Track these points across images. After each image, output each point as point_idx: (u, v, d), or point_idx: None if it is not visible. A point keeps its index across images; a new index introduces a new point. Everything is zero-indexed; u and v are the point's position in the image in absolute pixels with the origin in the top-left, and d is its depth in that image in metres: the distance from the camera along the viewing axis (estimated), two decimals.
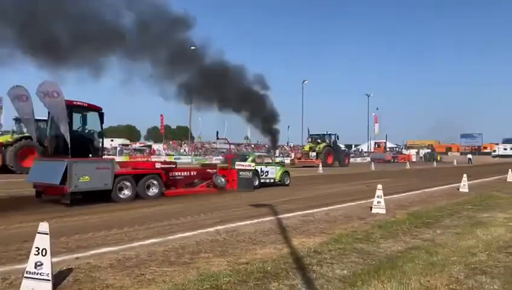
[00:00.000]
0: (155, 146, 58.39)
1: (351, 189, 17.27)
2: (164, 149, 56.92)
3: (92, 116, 12.14)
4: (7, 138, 22.44)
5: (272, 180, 17.55)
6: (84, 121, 12.02)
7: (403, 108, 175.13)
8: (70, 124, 11.17)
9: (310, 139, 42.89)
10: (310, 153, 39.31)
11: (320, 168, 31.31)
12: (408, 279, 4.94)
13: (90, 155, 11.89)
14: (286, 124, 75.80)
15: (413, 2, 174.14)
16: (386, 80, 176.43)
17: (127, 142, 65.81)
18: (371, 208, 10.50)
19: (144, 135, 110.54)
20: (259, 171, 16.84)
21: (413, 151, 77.56)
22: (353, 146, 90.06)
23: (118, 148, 48.61)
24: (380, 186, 10.60)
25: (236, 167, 15.83)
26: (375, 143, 70.66)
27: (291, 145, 70.97)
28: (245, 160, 16.92)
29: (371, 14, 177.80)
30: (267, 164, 17.75)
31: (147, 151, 50.16)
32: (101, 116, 12.20)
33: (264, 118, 28.65)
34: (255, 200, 12.39)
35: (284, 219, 9.12)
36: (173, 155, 47.36)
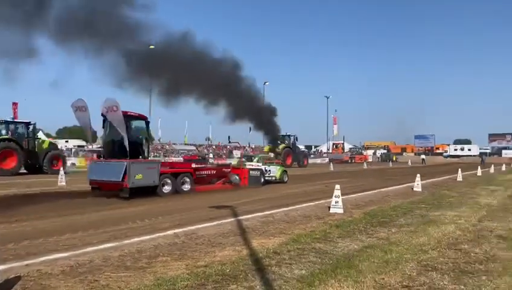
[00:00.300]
0: None
1: (310, 189, 17.53)
2: None
3: (141, 124, 14.45)
4: None
5: (273, 178, 19.73)
6: (135, 128, 14.17)
7: (362, 110, 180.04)
8: (128, 131, 13.17)
9: (268, 140, 43.29)
10: (269, 153, 39.64)
11: None
12: (364, 277, 5.06)
13: (140, 157, 13.97)
14: (247, 125, 76.05)
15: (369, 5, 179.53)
16: (345, 82, 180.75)
17: (83, 143, 63.57)
18: (329, 207, 10.70)
19: (101, 136, 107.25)
20: (264, 170, 18.94)
21: (370, 152, 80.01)
22: (313, 147, 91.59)
23: (73, 150, 46.89)
24: (337, 186, 10.83)
25: (247, 167, 18.22)
26: (333, 144, 72.25)
27: (253, 147, 71.17)
28: (251, 160, 20.27)
29: (330, 13, 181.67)
30: (270, 164, 20.31)
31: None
32: (147, 123, 14.53)
33: (270, 129, 33.53)
34: (216, 201, 12.31)
35: (244, 220, 9.12)
36: None
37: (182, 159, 24.98)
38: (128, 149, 12.94)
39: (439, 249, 6.61)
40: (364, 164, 49.61)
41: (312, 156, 69.27)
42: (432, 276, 5.18)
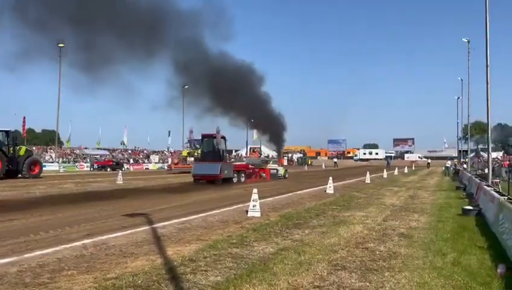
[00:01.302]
0: None
1: (230, 193, 17.58)
2: None
3: (223, 140, 23.43)
4: None
5: (280, 175, 28.82)
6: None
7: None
8: (225, 145, 23.34)
9: (188, 145, 42.89)
10: (188, 158, 39.24)
11: None
12: (277, 280, 5.15)
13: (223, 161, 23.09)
14: (167, 129, 74.43)
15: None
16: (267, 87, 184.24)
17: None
18: (247, 211, 10.80)
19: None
20: (277, 170, 29.19)
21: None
22: (233, 151, 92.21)
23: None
24: (255, 190, 10.97)
25: (269, 167, 28.64)
26: (250, 148, 73.05)
27: (172, 151, 69.71)
28: (267, 163, 30.35)
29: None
30: (278, 165, 30.94)
31: None
32: (225, 140, 23.63)
33: (275, 135, 39.34)
34: (131, 209, 11.77)
35: (159, 227, 8.81)
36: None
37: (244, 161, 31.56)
38: (222, 155, 22.95)
39: (348, 249, 6.97)
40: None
41: (233, 160, 69.74)
42: (341, 275, 5.43)
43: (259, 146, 72.12)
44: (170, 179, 28.39)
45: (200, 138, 27.18)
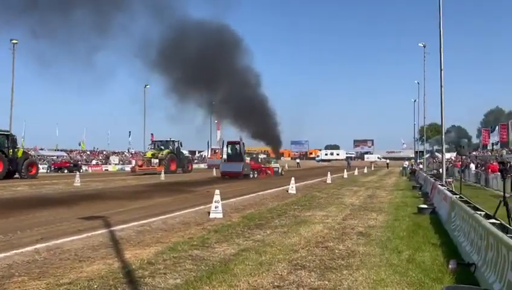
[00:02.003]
0: None
1: (192, 195, 17.37)
2: None
3: (243, 145, 31.65)
4: None
5: (279, 172, 36.24)
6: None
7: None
8: (244, 149, 31.51)
9: (152, 146, 42.26)
10: (152, 160, 38.50)
11: (163, 175, 30.85)
12: (238, 281, 5.13)
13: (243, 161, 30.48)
14: (127, 130, 72.76)
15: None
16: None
17: None
18: (209, 213, 10.71)
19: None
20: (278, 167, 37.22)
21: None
22: (197, 152, 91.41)
23: None
24: (217, 191, 10.91)
25: (272, 166, 36.58)
26: (212, 149, 72.51)
27: (133, 152, 68.20)
28: (270, 162, 38.70)
29: None
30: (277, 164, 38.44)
31: None
32: (243, 144, 31.64)
33: (273, 136, 46.75)
34: (88, 212, 11.40)
35: (118, 230, 8.58)
36: None
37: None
38: (243, 157, 30.35)
39: (308, 248, 7.06)
40: None
41: (196, 161, 69.16)
42: (301, 274, 5.49)
43: (220, 147, 71.66)
44: (130, 180, 27.76)
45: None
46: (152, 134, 72.44)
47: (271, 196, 16.75)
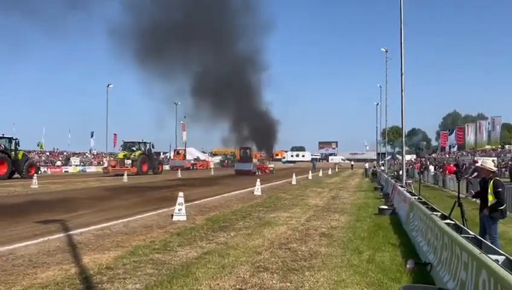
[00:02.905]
0: None
1: (155, 197, 16.99)
2: None
3: (251, 150, 45.73)
4: None
5: (272, 171, 45.13)
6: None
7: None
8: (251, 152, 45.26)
9: (124, 147, 42.07)
10: (126, 160, 38.63)
11: (125, 177, 30.09)
12: (199, 285, 5.07)
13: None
14: (89, 129, 70.81)
15: None
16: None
17: None
18: (173, 215, 10.54)
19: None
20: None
21: (217, 159, 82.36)
22: (161, 153, 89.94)
23: None
24: (181, 193, 10.77)
25: (269, 166, 46.20)
26: (175, 150, 71.48)
27: (95, 153, 66.27)
28: (264, 163, 46.13)
29: None
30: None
31: None
32: (251, 149, 45.44)
33: (266, 137, 51.37)
34: (45, 216, 10.95)
35: (76, 234, 8.29)
36: None
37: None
38: (252, 159, 42.89)
39: (271, 250, 7.08)
40: (212, 170, 50.83)
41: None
42: (263, 276, 5.49)
43: (184, 148, 70.85)
44: (92, 182, 26.96)
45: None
46: (115, 134, 70.71)
47: (236, 197, 16.70)
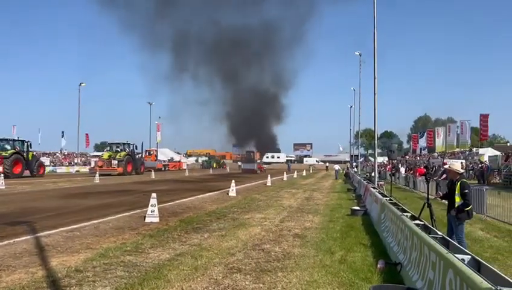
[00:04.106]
0: None
1: (128, 199, 16.71)
2: None
3: (255, 153, 66.73)
4: (5, 153, 31.39)
5: (265, 170, 59.29)
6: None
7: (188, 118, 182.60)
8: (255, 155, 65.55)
9: (108, 148, 43.32)
10: (112, 161, 40.06)
11: (97, 177, 29.43)
12: (171, 287, 5.01)
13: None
14: (60, 130, 68.97)
15: None
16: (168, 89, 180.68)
17: None
18: (145, 217, 10.38)
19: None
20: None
21: (192, 159, 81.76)
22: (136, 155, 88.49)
23: None
24: (154, 195, 10.61)
25: (264, 166, 66.70)
26: (146, 151, 70.60)
27: (66, 153, 64.62)
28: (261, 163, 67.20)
29: None
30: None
31: None
32: (254, 153, 66.06)
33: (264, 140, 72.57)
34: (14, 216, 10.59)
35: (44, 236, 8.05)
36: None
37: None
38: (255, 161, 60.88)
39: (245, 251, 7.07)
40: (186, 171, 50.41)
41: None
42: (236, 278, 5.47)
43: (155, 148, 70.03)
44: (62, 183, 26.27)
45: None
46: (87, 134, 69.15)
47: (211, 199, 16.62)
